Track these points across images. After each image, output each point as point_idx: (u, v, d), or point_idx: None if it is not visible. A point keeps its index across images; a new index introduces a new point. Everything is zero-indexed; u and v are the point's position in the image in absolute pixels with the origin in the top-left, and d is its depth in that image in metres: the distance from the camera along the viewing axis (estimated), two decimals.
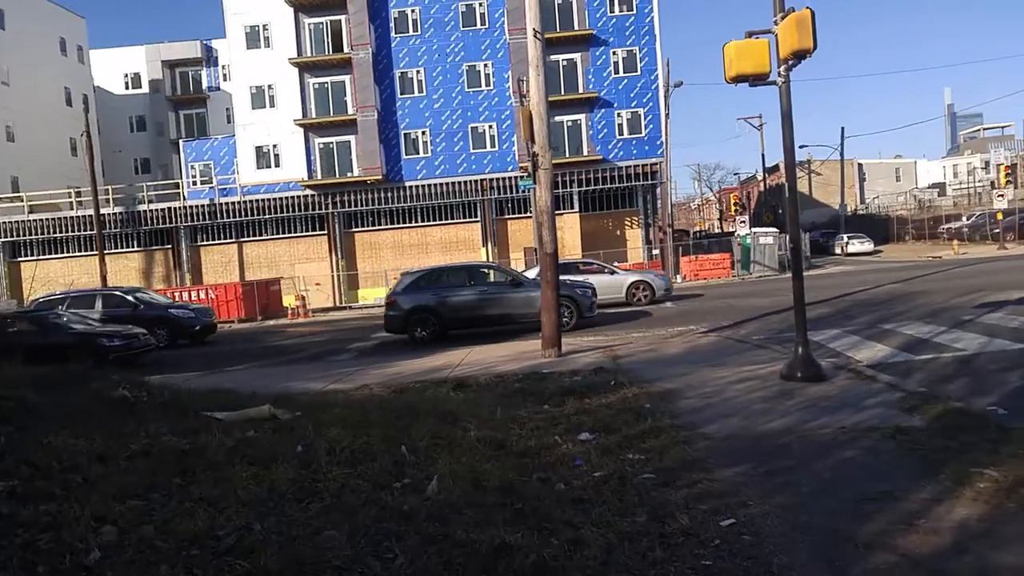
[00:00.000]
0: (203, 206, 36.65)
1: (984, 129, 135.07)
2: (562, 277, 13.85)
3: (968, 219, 44.95)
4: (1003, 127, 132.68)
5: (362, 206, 36.88)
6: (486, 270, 17.80)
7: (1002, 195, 36.69)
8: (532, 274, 21.94)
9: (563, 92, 35.81)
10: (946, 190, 79.65)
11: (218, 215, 36.63)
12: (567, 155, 36.03)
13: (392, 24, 36.60)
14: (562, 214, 35.24)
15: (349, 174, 36.88)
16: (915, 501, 3.99)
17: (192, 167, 38.49)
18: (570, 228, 35.71)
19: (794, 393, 7.10)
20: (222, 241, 37.33)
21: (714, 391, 7.58)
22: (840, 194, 53.06)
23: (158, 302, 21.18)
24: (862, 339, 10.74)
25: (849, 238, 46.36)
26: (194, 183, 38.04)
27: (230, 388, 8.92)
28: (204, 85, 53.76)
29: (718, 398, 7.24)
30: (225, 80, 51.44)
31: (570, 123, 36.55)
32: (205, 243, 37.48)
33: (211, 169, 37.93)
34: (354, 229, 37.65)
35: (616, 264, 26.15)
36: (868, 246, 44.89)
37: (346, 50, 35.98)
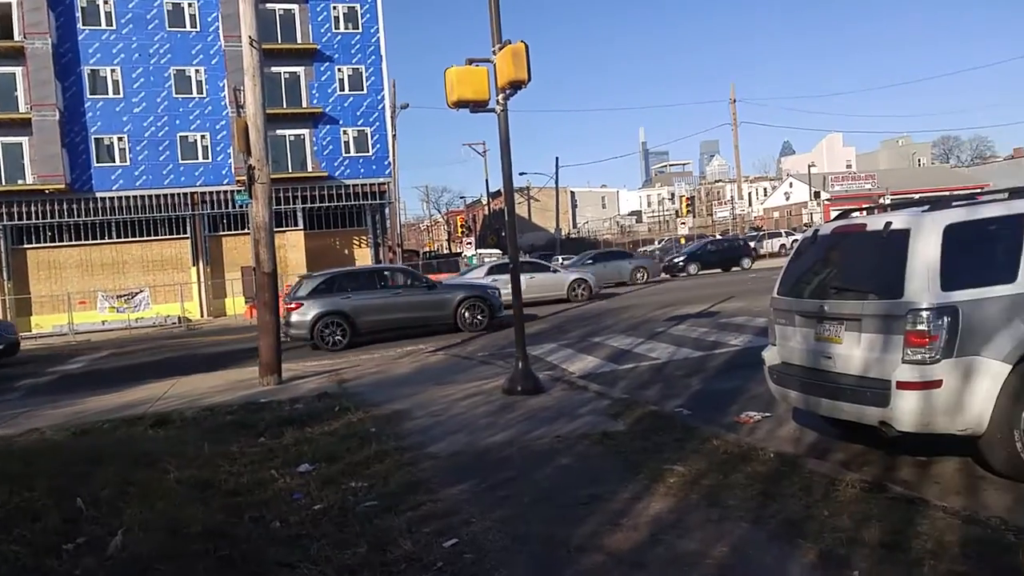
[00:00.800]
0: None
1: (670, 165, 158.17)
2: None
3: (659, 243, 52.10)
4: (684, 164, 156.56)
5: (37, 219, 31.84)
6: (395, 272, 18.16)
7: (683, 222, 43.07)
8: (479, 274, 22.38)
9: (285, 105, 34.59)
10: (642, 217, 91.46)
11: None
12: (290, 170, 34.79)
13: (79, 14, 32.37)
14: (285, 231, 33.85)
15: (20, 181, 31.65)
16: (619, 501, 4.38)
17: None
18: (293, 246, 34.42)
19: (516, 406, 7.48)
20: None
21: (441, 409, 7.70)
22: (556, 219, 58.12)
23: None
24: (575, 352, 11.75)
25: (563, 259, 50.92)
26: None
27: None
28: None
29: (445, 416, 7.36)
30: None
31: (293, 137, 35.36)
32: None
33: None
34: (26, 245, 32.35)
35: None
36: None
37: (17, 38, 30.95)
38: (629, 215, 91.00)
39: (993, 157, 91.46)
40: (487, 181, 55.17)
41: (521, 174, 65.73)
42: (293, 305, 15.43)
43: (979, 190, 65.73)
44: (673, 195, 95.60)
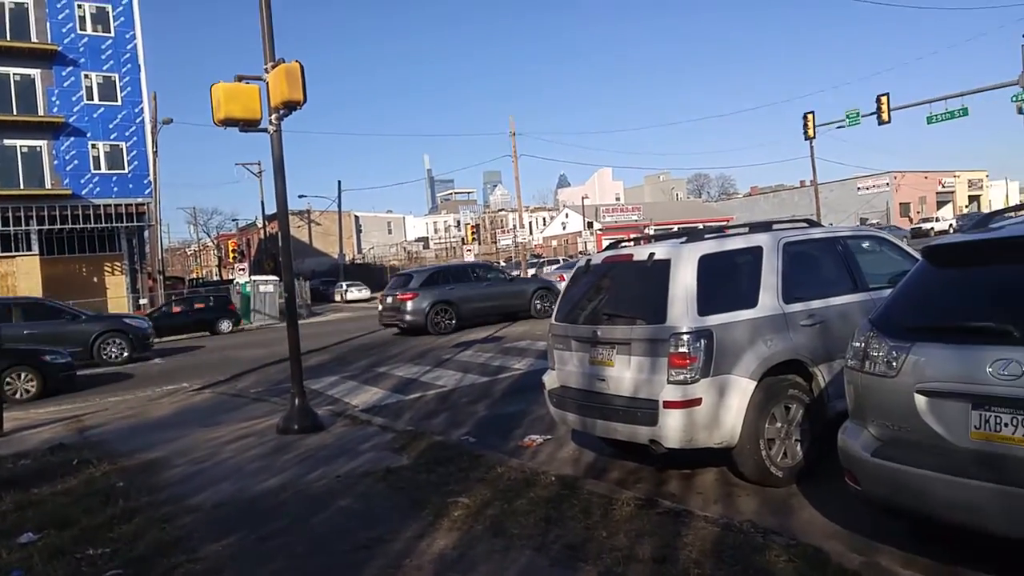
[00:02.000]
0: None
1: (455, 193, 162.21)
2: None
3: None
4: (468, 192, 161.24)
5: None
6: (483, 268, 21.66)
7: (469, 249, 44.15)
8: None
9: (16, 112, 30.46)
10: (429, 244, 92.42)
11: None
12: (22, 186, 30.62)
13: None
14: (14, 256, 29.62)
15: None
16: (402, 541, 4.24)
17: None
18: (26, 273, 30.09)
19: (292, 446, 7.05)
20: None
21: (207, 455, 7.04)
22: (339, 244, 56.82)
23: None
24: (359, 384, 11.42)
25: (348, 286, 49.91)
26: None
27: None
28: None
29: (211, 462, 6.74)
30: None
31: (26, 149, 31.18)
32: None
33: None
34: None
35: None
36: (365, 293, 48.93)
37: None
38: (416, 241, 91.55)
39: (735, 193, 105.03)
40: (263, 203, 52.23)
41: (301, 197, 63.64)
42: (408, 295, 18.20)
43: (726, 222, 75.07)
44: (459, 222, 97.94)
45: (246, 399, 10.70)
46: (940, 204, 73.83)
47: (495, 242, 70.89)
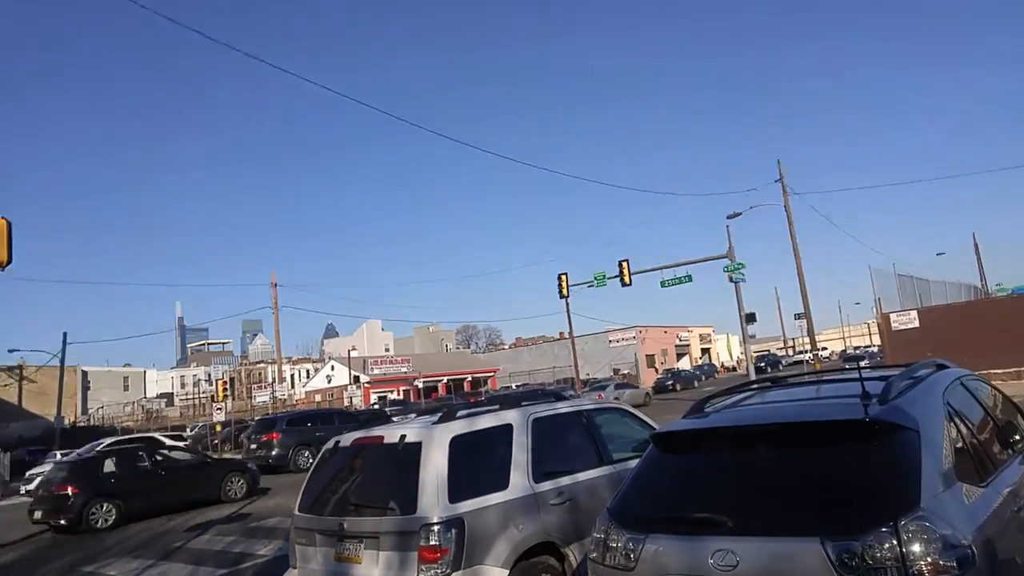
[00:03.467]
0: None
1: (209, 344, 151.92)
2: None
3: (192, 429, 48.16)
4: (224, 343, 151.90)
5: None
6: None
7: (220, 408, 40.84)
8: None
9: None
10: (174, 400, 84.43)
11: None
12: None
13: None
14: None
15: None
16: None
17: None
18: None
19: None
20: None
21: None
22: (58, 404, 49.85)
23: None
24: None
25: (61, 454, 43.33)
26: None
27: None
28: None
29: None
30: None
31: None
32: None
33: None
34: None
35: None
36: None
37: None
38: (158, 398, 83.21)
39: (502, 344, 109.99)
40: None
41: (13, 351, 55.64)
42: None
43: (492, 373, 77.75)
44: (211, 376, 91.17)
45: None
46: (679, 356, 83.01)
47: (251, 397, 66.66)
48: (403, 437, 5.17)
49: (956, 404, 3.96)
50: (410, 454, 5.02)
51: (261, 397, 50.85)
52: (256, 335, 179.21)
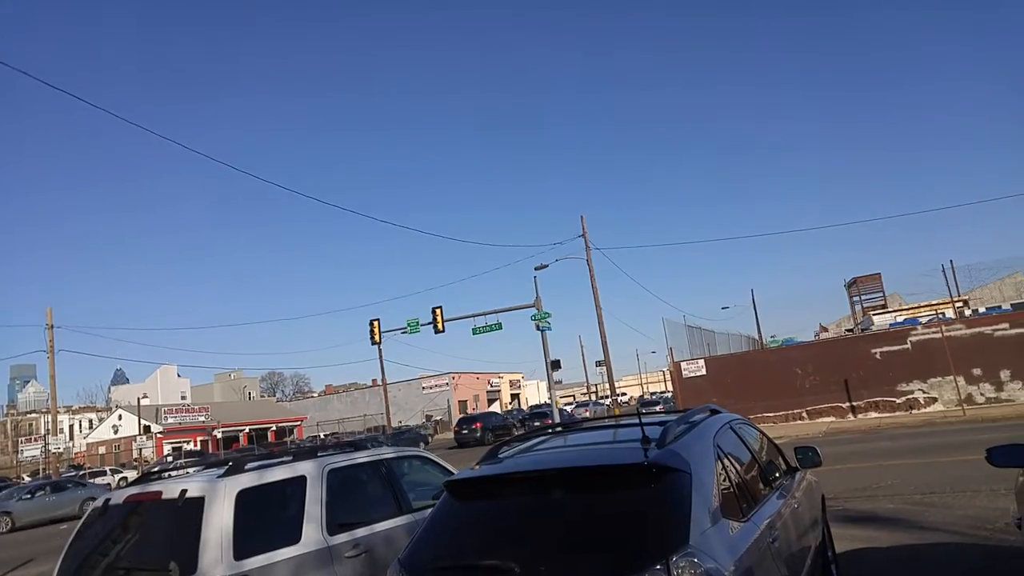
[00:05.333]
0: None
1: None
2: None
3: None
4: None
5: None
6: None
7: None
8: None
9: None
10: None
11: None
12: None
13: None
14: None
15: None
16: None
17: None
18: None
19: None
20: None
21: None
22: None
23: None
24: None
25: None
26: None
27: None
28: None
29: None
30: None
31: None
32: None
33: None
34: None
35: None
36: None
37: None
38: None
39: (310, 392, 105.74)
40: None
41: None
42: None
43: (299, 421, 74.35)
44: None
45: None
46: (491, 401, 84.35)
47: (17, 452, 58.61)
48: (184, 492, 4.77)
49: (725, 447, 4.27)
50: (191, 510, 4.63)
51: (30, 451, 44.83)
52: (28, 382, 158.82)
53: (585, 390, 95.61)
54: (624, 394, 76.15)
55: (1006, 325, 24.41)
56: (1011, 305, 34.58)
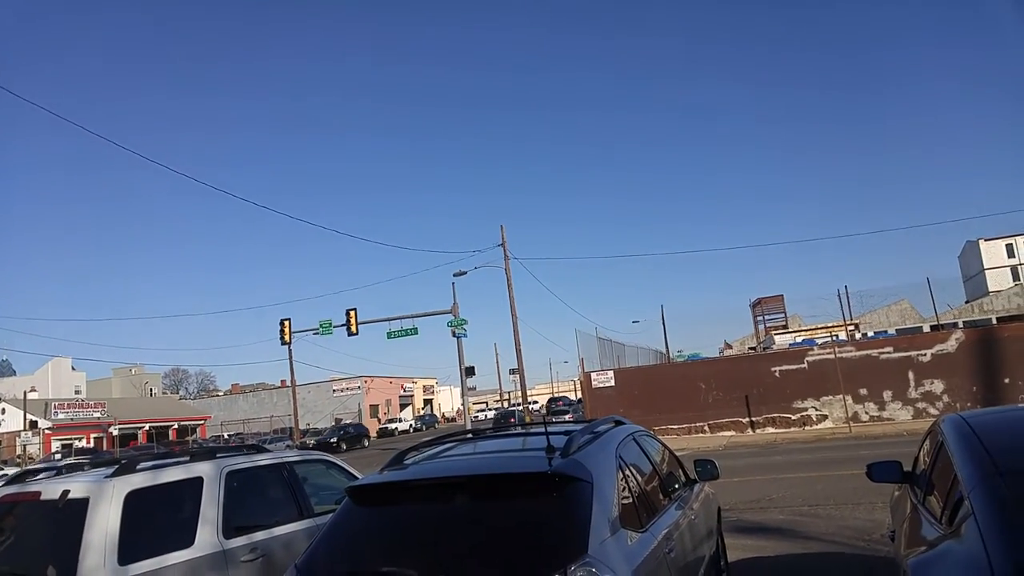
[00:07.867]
0: None
1: None
2: None
3: None
4: None
5: None
6: None
7: None
8: None
9: None
10: None
11: None
12: None
13: None
14: None
15: None
16: None
17: None
18: None
19: None
20: None
21: None
22: None
23: None
24: None
25: None
26: None
27: None
28: None
29: None
30: None
31: None
32: None
33: None
34: None
35: None
36: None
37: None
38: None
39: (216, 391, 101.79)
40: None
41: None
42: None
43: (203, 420, 71.39)
44: None
45: None
46: (403, 406, 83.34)
47: None
48: (65, 492, 4.49)
49: (627, 457, 4.34)
50: (74, 512, 4.36)
51: None
52: None
53: (498, 397, 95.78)
54: (535, 402, 76.69)
55: (891, 349, 25.91)
56: (896, 330, 36.85)
